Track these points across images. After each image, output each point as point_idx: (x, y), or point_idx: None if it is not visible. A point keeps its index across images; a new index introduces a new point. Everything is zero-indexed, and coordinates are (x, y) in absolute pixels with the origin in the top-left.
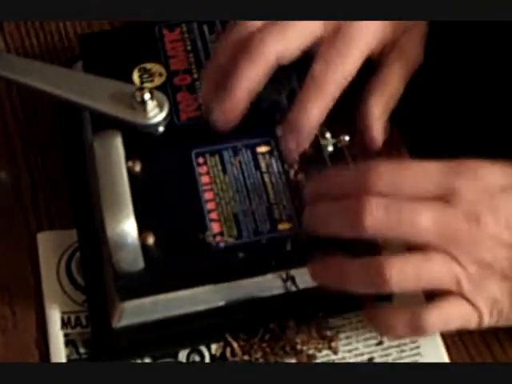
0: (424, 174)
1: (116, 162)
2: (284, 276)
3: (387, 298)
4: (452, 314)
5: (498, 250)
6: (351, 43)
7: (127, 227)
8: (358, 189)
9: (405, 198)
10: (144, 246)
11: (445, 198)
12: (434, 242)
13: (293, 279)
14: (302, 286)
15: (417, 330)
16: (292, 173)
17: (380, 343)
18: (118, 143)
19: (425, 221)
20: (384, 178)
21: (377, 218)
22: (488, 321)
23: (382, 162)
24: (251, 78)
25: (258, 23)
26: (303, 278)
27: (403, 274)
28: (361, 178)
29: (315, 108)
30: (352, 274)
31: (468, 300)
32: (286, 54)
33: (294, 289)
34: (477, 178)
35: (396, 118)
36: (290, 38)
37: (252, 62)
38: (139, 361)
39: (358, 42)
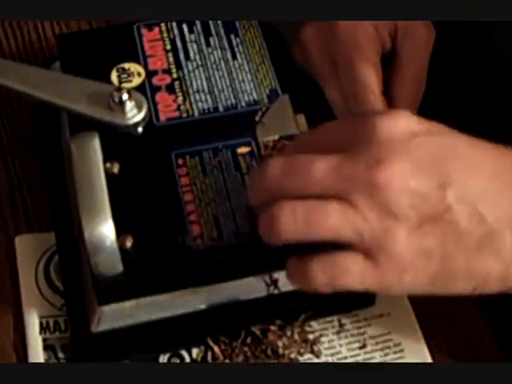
0: (332, 128)
1: (94, 164)
2: (267, 279)
3: (370, 301)
4: (344, 269)
5: (403, 197)
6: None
7: (105, 230)
8: None
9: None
10: (122, 249)
11: (346, 149)
12: (330, 188)
13: (275, 282)
14: (284, 288)
15: (304, 282)
16: None
17: (363, 346)
18: (96, 144)
19: (321, 167)
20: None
21: (275, 169)
22: (397, 286)
23: None
24: None
25: None
26: (286, 280)
27: (293, 219)
28: None
29: None
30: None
31: (368, 255)
32: None
33: (276, 292)
34: (379, 129)
35: None
36: None
37: None
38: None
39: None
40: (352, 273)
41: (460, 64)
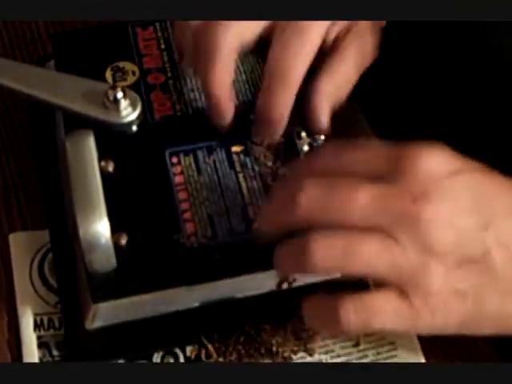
0: (367, 154)
1: (88, 162)
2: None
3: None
4: (377, 310)
5: (446, 234)
6: (307, 23)
7: (100, 228)
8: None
9: (344, 177)
10: (117, 246)
11: (386, 179)
12: (372, 220)
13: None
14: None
15: (334, 325)
16: (268, 173)
17: (356, 345)
18: (91, 143)
19: (363, 196)
20: (324, 158)
21: (311, 195)
22: (428, 325)
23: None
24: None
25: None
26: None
27: (330, 253)
28: (300, 162)
29: (282, 95)
30: (283, 254)
31: (403, 293)
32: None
33: (287, 287)
34: (423, 162)
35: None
36: (245, 24)
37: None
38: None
39: (313, 22)
40: (385, 313)
41: (457, 65)
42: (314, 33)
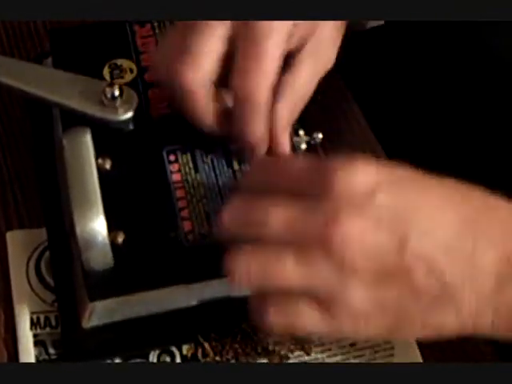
0: (292, 172)
1: (86, 160)
2: None
3: None
4: (298, 314)
5: (359, 254)
6: (265, 40)
7: (97, 225)
8: None
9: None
10: (114, 244)
11: (303, 198)
12: (287, 241)
13: None
14: None
15: (261, 321)
16: None
17: (353, 344)
18: (88, 140)
19: (278, 218)
20: (253, 175)
21: (232, 211)
22: (351, 333)
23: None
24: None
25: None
26: None
27: (247, 272)
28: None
29: (253, 121)
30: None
31: (323, 306)
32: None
33: None
34: (338, 183)
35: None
36: (200, 60)
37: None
38: (109, 361)
39: (271, 37)
40: (306, 318)
41: (456, 65)
42: (271, 51)
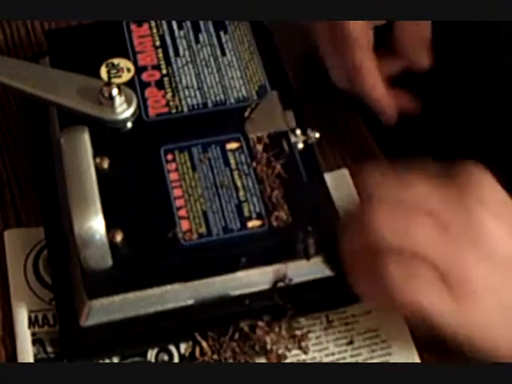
0: (427, 189)
1: (83, 159)
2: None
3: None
4: (420, 274)
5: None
6: None
7: (95, 224)
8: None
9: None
10: (112, 243)
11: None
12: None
13: (285, 276)
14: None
15: (377, 280)
16: (263, 170)
17: (350, 343)
18: (86, 139)
19: (424, 235)
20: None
21: (383, 220)
22: (466, 319)
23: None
24: None
25: None
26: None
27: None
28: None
29: None
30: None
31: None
32: None
33: (283, 285)
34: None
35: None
36: None
37: None
38: (107, 360)
39: None
40: (426, 281)
41: (452, 64)
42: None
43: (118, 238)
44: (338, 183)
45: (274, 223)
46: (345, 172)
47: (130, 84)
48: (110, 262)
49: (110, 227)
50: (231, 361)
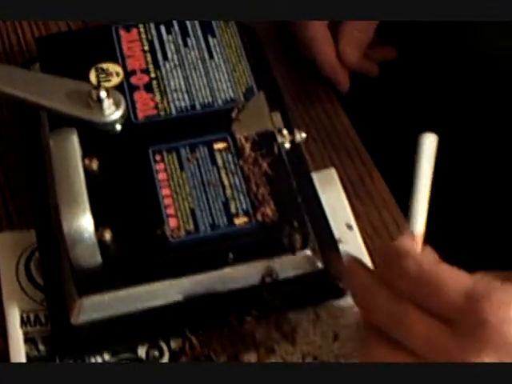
0: (443, 292)
1: (72, 159)
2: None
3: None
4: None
5: None
6: None
7: (84, 223)
8: None
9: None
10: (101, 241)
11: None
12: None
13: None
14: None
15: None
16: (250, 169)
17: (337, 336)
18: (74, 140)
19: (429, 341)
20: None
21: (382, 310)
22: None
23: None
24: None
25: None
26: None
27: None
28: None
29: None
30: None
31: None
32: None
33: (270, 280)
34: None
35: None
36: None
37: None
38: (98, 357)
39: None
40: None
41: (437, 66)
42: None
43: (107, 236)
44: (325, 182)
45: (261, 219)
46: (332, 171)
47: (119, 88)
48: (99, 260)
49: (99, 226)
50: (221, 355)
